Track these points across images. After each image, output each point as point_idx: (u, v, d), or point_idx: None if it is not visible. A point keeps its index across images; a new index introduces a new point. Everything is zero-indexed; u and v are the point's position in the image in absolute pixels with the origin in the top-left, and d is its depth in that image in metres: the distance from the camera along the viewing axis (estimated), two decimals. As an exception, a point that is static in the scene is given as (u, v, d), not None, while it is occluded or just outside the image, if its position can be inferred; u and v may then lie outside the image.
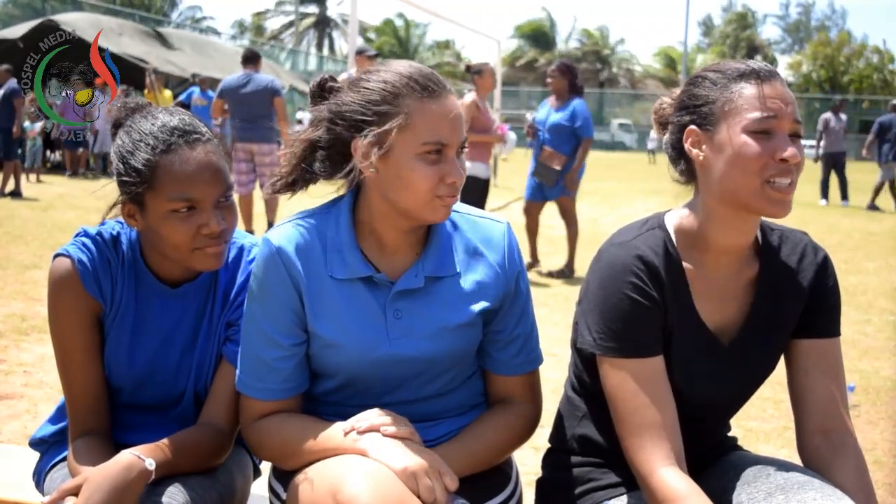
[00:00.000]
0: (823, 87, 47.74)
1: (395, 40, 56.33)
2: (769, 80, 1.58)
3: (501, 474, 1.78)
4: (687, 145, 1.64)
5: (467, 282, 1.71)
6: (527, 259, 8.10)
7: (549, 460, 1.90)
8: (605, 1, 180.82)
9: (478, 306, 1.71)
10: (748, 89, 1.57)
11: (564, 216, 8.07)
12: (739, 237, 1.65)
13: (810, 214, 14.34)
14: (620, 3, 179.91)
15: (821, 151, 16.32)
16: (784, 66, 55.80)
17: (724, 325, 1.68)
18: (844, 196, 16.20)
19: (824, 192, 16.26)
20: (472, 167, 7.85)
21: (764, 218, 1.66)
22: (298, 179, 1.74)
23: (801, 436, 1.69)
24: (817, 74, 48.25)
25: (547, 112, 7.86)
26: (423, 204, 1.60)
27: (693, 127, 1.63)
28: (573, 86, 7.75)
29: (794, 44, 64.81)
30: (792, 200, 1.58)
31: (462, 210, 1.78)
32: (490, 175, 8.36)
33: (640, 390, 1.58)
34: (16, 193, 12.22)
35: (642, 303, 1.60)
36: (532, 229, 8.24)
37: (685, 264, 1.65)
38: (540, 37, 59.94)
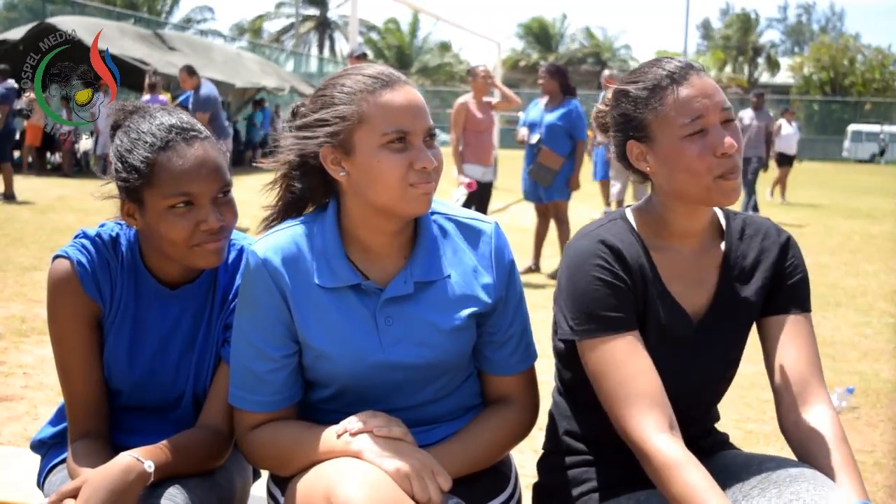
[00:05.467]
0: (825, 89, 47.74)
1: (398, 42, 56.31)
2: (686, 79, 1.62)
3: (500, 476, 1.78)
4: (633, 161, 1.69)
5: (457, 285, 1.71)
6: (529, 263, 8.11)
7: (543, 465, 1.90)
8: (605, 2, 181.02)
9: (469, 309, 1.70)
10: (669, 96, 1.62)
11: (556, 217, 8.09)
12: (698, 222, 1.72)
13: (808, 216, 14.35)
14: (620, 4, 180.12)
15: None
16: (785, 67, 55.80)
17: (692, 305, 1.72)
18: (745, 207, 13.07)
19: (752, 201, 13.45)
20: (470, 169, 7.89)
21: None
22: (287, 207, 1.77)
23: (779, 411, 1.70)
24: (818, 77, 48.23)
25: (540, 113, 7.90)
26: (398, 195, 1.59)
27: (632, 142, 1.68)
28: (565, 87, 7.81)
29: (793, 46, 64.80)
30: (740, 184, 1.64)
31: (449, 212, 1.77)
32: (492, 178, 8.37)
33: (623, 363, 1.61)
34: (8, 196, 12.15)
35: (611, 281, 1.64)
36: (541, 233, 8.25)
37: (650, 249, 1.71)
38: (542, 37, 59.96)
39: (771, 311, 1.74)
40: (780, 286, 1.74)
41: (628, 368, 1.60)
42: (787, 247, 1.76)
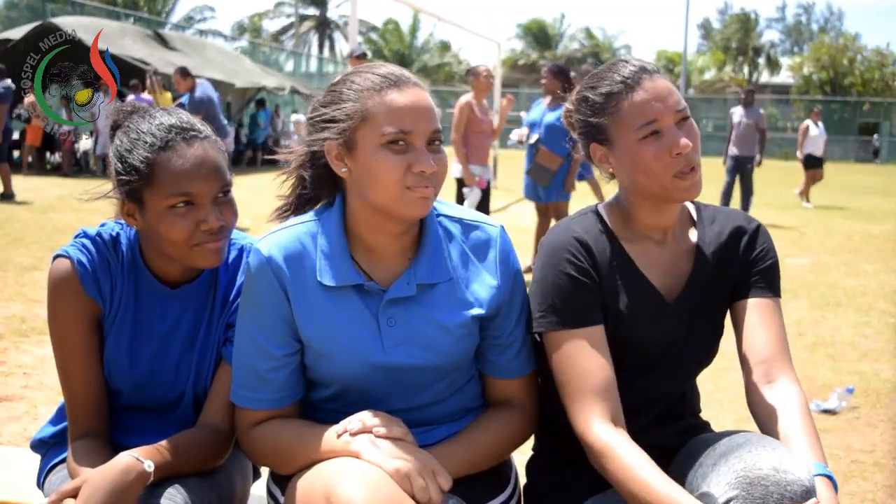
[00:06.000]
0: (825, 88, 47.75)
1: (398, 42, 56.31)
2: (639, 84, 1.68)
3: (501, 476, 1.78)
4: (596, 162, 1.76)
5: (461, 288, 1.70)
6: (529, 262, 8.10)
7: (532, 467, 1.92)
8: (605, 2, 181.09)
9: (473, 312, 1.70)
10: (624, 101, 1.68)
11: (557, 218, 8.07)
12: (664, 218, 1.77)
13: (809, 216, 14.34)
14: (620, 4, 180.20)
15: (729, 153, 12.81)
16: (785, 67, 55.77)
17: (666, 290, 1.77)
18: (745, 208, 12.29)
19: (726, 201, 12.50)
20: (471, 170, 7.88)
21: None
22: (300, 199, 1.79)
23: (747, 389, 1.74)
24: (818, 76, 48.23)
25: (541, 112, 7.86)
26: (395, 197, 1.59)
27: (595, 144, 1.75)
28: (567, 87, 7.71)
29: (792, 46, 64.69)
30: (701, 178, 1.69)
31: (454, 214, 1.76)
32: (490, 178, 8.36)
33: (579, 358, 1.66)
34: (7, 196, 12.14)
35: (575, 276, 1.69)
36: (541, 233, 8.23)
37: (621, 240, 1.76)
38: (542, 38, 59.96)
39: (741, 296, 1.78)
40: (751, 271, 1.78)
41: (581, 364, 1.66)
42: (758, 233, 1.81)
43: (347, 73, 1.68)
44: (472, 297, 1.71)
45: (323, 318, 1.64)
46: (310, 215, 1.72)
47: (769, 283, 1.78)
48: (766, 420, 1.66)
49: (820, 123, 16.82)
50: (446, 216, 1.75)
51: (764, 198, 15.66)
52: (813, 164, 16.50)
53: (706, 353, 1.84)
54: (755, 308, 1.76)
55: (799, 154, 16.68)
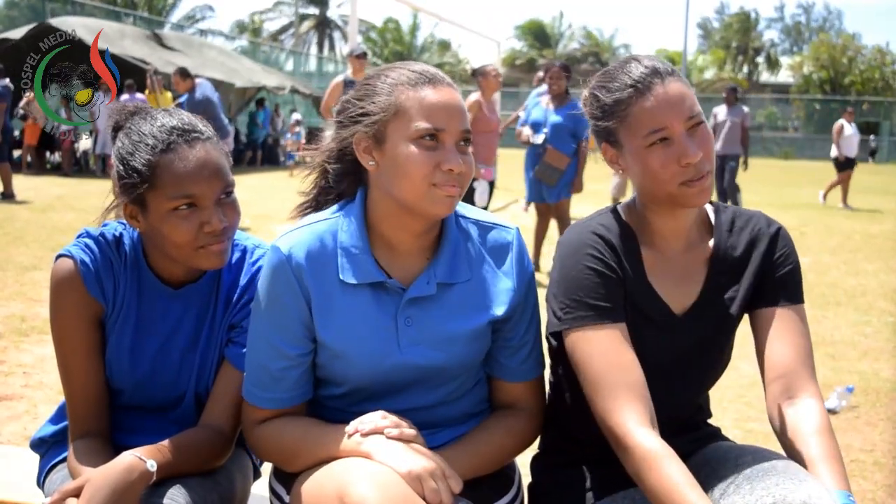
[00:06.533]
0: (824, 87, 47.75)
1: (398, 41, 56.29)
2: (650, 89, 1.62)
3: (504, 478, 1.78)
4: (607, 162, 1.74)
5: (478, 289, 1.70)
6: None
7: (536, 465, 1.91)
8: (604, 1, 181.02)
9: (489, 314, 1.70)
10: (632, 106, 1.63)
11: (559, 216, 8.08)
12: (678, 222, 1.73)
13: (809, 215, 14.34)
14: (620, 3, 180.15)
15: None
16: (785, 67, 55.78)
17: (678, 300, 1.73)
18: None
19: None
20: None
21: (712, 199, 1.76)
22: (321, 195, 1.79)
23: (768, 404, 1.70)
24: (818, 76, 48.25)
25: (544, 112, 7.84)
26: (421, 193, 1.58)
27: (606, 144, 1.72)
28: (567, 87, 7.77)
29: (791, 45, 64.65)
30: (711, 185, 1.65)
31: (472, 216, 1.76)
32: (493, 177, 8.36)
33: (608, 353, 1.61)
34: (8, 195, 12.15)
35: (601, 271, 1.66)
36: (541, 232, 8.24)
37: (640, 244, 1.73)
38: (541, 37, 59.97)
39: (761, 304, 1.73)
40: (770, 278, 1.73)
41: (613, 358, 1.61)
42: (777, 238, 1.75)
43: (381, 69, 1.68)
44: (488, 298, 1.70)
45: (342, 317, 1.64)
46: (328, 213, 1.71)
47: (789, 290, 1.72)
48: (787, 440, 1.62)
49: (853, 124, 16.52)
50: (463, 217, 1.75)
51: (764, 197, 15.66)
52: (847, 166, 16.21)
53: (720, 364, 1.80)
54: (774, 318, 1.70)
55: (838, 154, 16.25)
